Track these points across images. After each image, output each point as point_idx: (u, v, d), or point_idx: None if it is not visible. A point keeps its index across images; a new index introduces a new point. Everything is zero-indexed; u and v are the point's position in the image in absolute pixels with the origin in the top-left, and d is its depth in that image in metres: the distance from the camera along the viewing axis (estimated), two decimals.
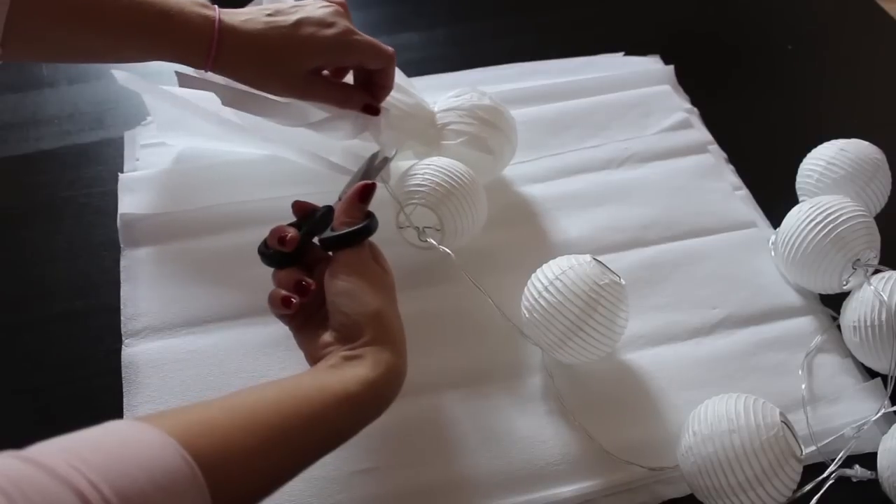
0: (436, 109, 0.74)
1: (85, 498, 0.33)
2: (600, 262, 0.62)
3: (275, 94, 0.64)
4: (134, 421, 0.39)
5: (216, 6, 0.60)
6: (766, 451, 0.53)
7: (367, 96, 0.66)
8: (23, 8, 0.54)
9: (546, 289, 0.61)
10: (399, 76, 0.75)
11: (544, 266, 0.63)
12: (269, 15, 0.61)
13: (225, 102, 0.64)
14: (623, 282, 0.62)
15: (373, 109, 0.66)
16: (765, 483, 0.53)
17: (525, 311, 0.63)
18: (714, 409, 0.56)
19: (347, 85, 0.67)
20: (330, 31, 0.61)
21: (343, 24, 0.62)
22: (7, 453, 0.34)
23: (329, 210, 0.57)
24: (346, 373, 0.49)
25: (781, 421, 0.55)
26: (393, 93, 0.70)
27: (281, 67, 0.61)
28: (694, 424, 0.56)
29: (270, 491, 0.44)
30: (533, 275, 0.63)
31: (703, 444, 0.55)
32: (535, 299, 0.61)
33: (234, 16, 0.60)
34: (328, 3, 0.63)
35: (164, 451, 0.38)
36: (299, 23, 0.60)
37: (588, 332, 0.60)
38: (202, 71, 0.61)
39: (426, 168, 0.67)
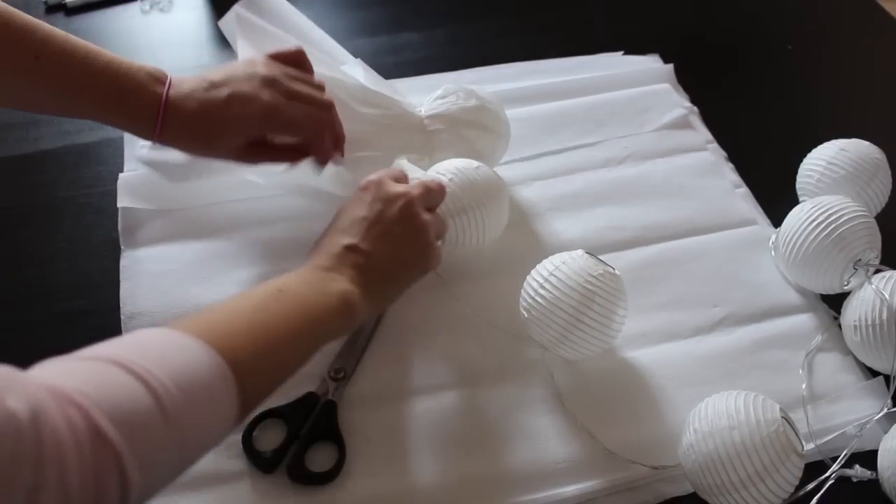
0: (423, 114, 0.74)
1: (144, 379, 0.38)
2: (592, 255, 0.62)
3: (218, 157, 0.66)
4: (167, 328, 0.44)
5: (169, 76, 0.62)
6: (766, 447, 0.53)
7: (312, 152, 0.67)
8: None
9: (542, 286, 0.61)
10: (381, 82, 0.75)
11: (537, 265, 0.63)
12: (206, 89, 0.63)
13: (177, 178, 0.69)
14: (618, 272, 0.62)
15: (322, 160, 0.68)
16: (766, 479, 0.53)
17: (524, 311, 0.63)
18: (714, 407, 0.56)
19: (290, 147, 0.67)
20: (256, 109, 0.63)
21: (268, 97, 0.63)
22: (72, 355, 0.39)
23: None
24: (334, 286, 0.55)
25: (782, 417, 0.55)
26: (373, 107, 0.71)
27: (218, 142, 0.64)
28: (695, 422, 0.56)
29: (279, 380, 0.50)
30: (528, 275, 0.63)
31: (703, 442, 0.55)
32: (532, 297, 0.61)
33: (180, 88, 0.62)
34: (258, 68, 0.64)
35: (200, 352, 0.43)
36: (229, 100, 0.62)
37: (588, 325, 0.60)
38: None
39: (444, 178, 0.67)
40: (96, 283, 0.70)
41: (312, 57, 0.69)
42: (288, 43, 0.70)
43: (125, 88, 0.60)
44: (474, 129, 0.73)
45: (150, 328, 0.44)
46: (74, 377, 0.37)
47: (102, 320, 0.67)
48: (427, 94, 0.76)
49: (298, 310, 0.51)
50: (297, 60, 0.67)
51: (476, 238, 0.67)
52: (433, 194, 0.63)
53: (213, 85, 0.63)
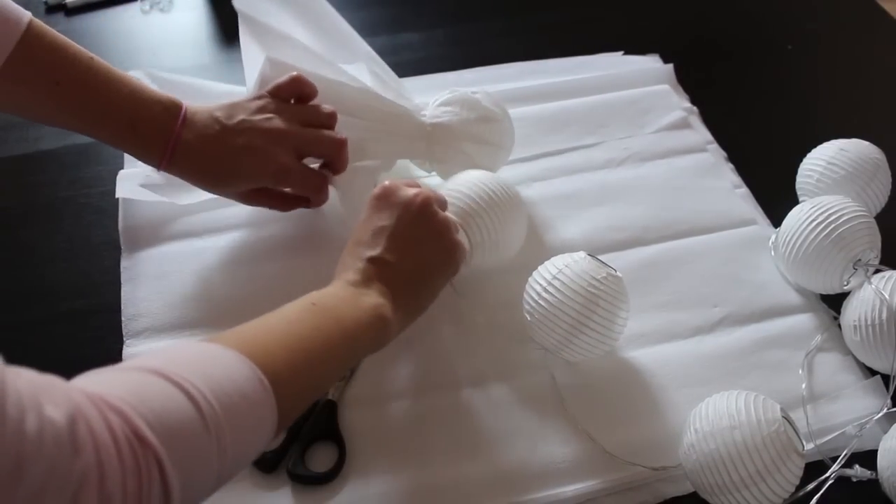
0: (426, 119, 0.72)
1: (189, 393, 0.39)
2: (595, 257, 0.62)
3: (220, 194, 0.68)
4: (208, 342, 0.44)
5: (183, 110, 0.63)
6: (767, 446, 0.53)
7: (305, 200, 0.69)
8: (9, 79, 0.58)
9: (545, 289, 0.61)
10: (388, 83, 0.74)
11: (540, 268, 0.63)
12: (219, 133, 0.63)
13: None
14: (619, 274, 0.62)
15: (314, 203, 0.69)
16: (767, 479, 0.53)
17: (527, 315, 0.63)
18: (715, 407, 0.56)
19: (287, 195, 0.69)
20: (268, 167, 0.64)
21: (282, 158, 0.64)
22: (114, 366, 0.40)
23: None
24: (366, 300, 0.54)
25: (782, 416, 0.55)
26: (373, 113, 0.70)
27: (223, 186, 0.66)
28: (695, 422, 0.56)
29: (312, 400, 0.52)
30: (530, 278, 0.63)
31: (704, 442, 0.55)
32: (536, 301, 0.61)
33: (192, 127, 0.63)
34: (273, 121, 0.64)
35: (241, 366, 0.43)
36: (242, 151, 0.63)
37: (592, 328, 0.60)
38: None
39: (460, 194, 0.66)
40: (96, 284, 0.70)
41: (315, 60, 0.69)
42: (293, 41, 0.70)
43: (138, 119, 0.62)
44: (476, 143, 0.72)
45: (189, 341, 0.44)
46: (116, 386, 0.37)
47: (102, 321, 0.67)
48: (427, 95, 0.75)
49: (333, 324, 0.51)
50: (297, 90, 0.66)
51: (495, 256, 0.67)
52: (440, 196, 0.63)
53: (227, 130, 0.63)
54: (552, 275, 0.61)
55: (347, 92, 0.70)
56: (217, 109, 0.64)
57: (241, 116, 0.64)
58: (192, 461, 0.38)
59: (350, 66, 0.73)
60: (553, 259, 0.63)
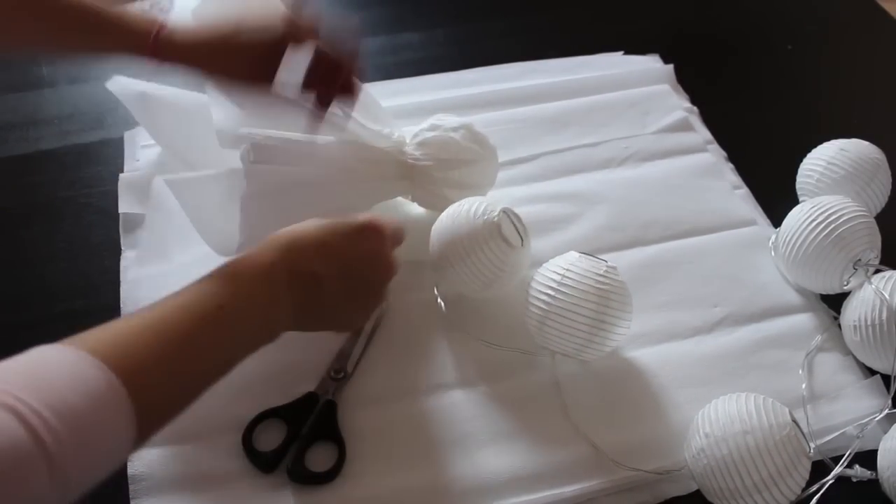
0: (408, 159, 0.70)
1: (16, 411, 0.35)
2: (586, 254, 0.62)
3: (237, 80, 0.61)
4: (49, 345, 0.41)
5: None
6: (780, 450, 0.53)
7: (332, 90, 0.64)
8: None
9: (554, 297, 0.60)
10: (361, 123, 0.70)
11: (537, 277, 0.62)
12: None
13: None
14: (613, 264, 0.62)
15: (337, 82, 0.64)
16: (779, 483, 0.53)
17: (536, 323, 0.62)
18: (725, 410, 0.56)
19: (313, 77, 0.62)
20: (274, 17, 0.60)
21: (286, 14, 0.60)
22: None
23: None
24: (276, 314, 0.51)
25: (792, 420, 0.55)
26: (344, 173, 0.68)
27: (226, 48, 0.60)
28: (705, 426, 0.56)
29: (188, 398, 0.46)
30: (531, 289, 0.62)
31: (716, 446, 0.54)
32: (546, 310, 0.60)
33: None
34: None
35: (79, 364, 0.39)
36: (240, 19, 0.60)
37: (610, 322, 0.60)
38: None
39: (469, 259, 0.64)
40: (96, 284, 0.70)
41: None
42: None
43: (123, 12, 0.58)
44: (455, 188, 0.70)
45: (30, 350, 0.40)
46: None
47: (102, 321, 0.66)
48: (427, 94, 0.75)
49: (212, 319, 0.47)
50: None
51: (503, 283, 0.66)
52: (397, 237, 0.61)
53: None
54: (557, 281, 0.60)
55: (321, 150, 0.67)
56: None
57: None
58: (15, 484, 0.34)
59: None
60: (548, 265, 0.63)
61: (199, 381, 0.47)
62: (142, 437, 0.42)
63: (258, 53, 0.60)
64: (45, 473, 0.35)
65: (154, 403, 0.43)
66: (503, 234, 0.64)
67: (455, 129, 0.70)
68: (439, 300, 0.66)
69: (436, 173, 0.70)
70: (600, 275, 0.60)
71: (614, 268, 0.62)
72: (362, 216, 0.58)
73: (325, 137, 0.67)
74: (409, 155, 0.70)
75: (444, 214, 0.66)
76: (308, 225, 0.55)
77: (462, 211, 0.65)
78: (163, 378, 0.44)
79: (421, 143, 0.70)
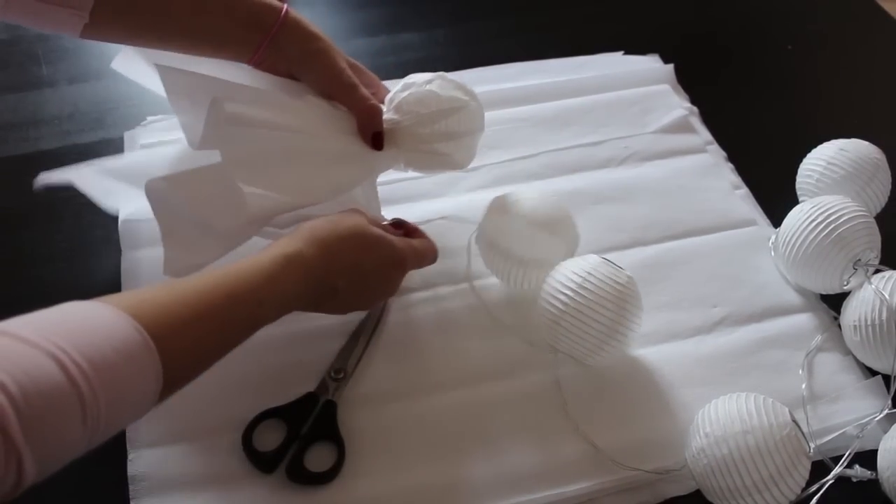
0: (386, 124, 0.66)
1: (59, 360, 0.38)
2: (607, 259, 0.62)
3: (316, 81, 0.65)
4: (86, 301, 0.43)
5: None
6: (780, 450, 0.53)
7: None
8: None
9: (571, 300, 0.60)
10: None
11: (556, 275, 0.62)
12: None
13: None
14: (630, 273, 0.62)
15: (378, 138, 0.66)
16: (779, 482, 0.53)
17: (549, 322, 0.62)
18: (725, 410, 0.56)
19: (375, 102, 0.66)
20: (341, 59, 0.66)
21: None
22: None
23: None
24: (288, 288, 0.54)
25: (792, 420, 0.55)
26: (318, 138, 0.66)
27: (332, 51, 0.65)
28: (705, 426, 0.56)
29: (210, 363, 0.50)
30: (547, 286, 0.62)
31: (716, 446, 0.54)
32: (562, 311, 0.60)
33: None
34: None
35: (118, 322, 0.42)
36: (334, 49, 0.66)
37: (622, 332, 0.60)
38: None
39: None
40: (96, 284, 0.70)
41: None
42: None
43: None
44: (446, 140, 0.67)
45: (63, 304, 0.43)
46: None
47: None
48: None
49: (244, 313, 0.51)
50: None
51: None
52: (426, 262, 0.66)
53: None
54: (578, 284, 0.60)
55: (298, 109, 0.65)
56: None
57: None
58: (53, 424, 0.37)
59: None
60: (568, 266, 0.62)
61: (222, 350, 0.51)
62: (165, 394, 0.45)
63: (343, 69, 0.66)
64: (79, 418, 0.38)
65: (180, 366, 0.46)
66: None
67: (429, 82, 0.67)
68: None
69: (421, 130, 0.66)
70: (620, 283, 0.60)
71: (632, 277, 0.62)
72: (400, 246, 0.61)
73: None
74: (388, 121, 0.66)
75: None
76: (354, 230, 0.58)
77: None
78: (191, 345, 0.47)
79: (397, 106, 0.66)
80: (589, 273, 0.60)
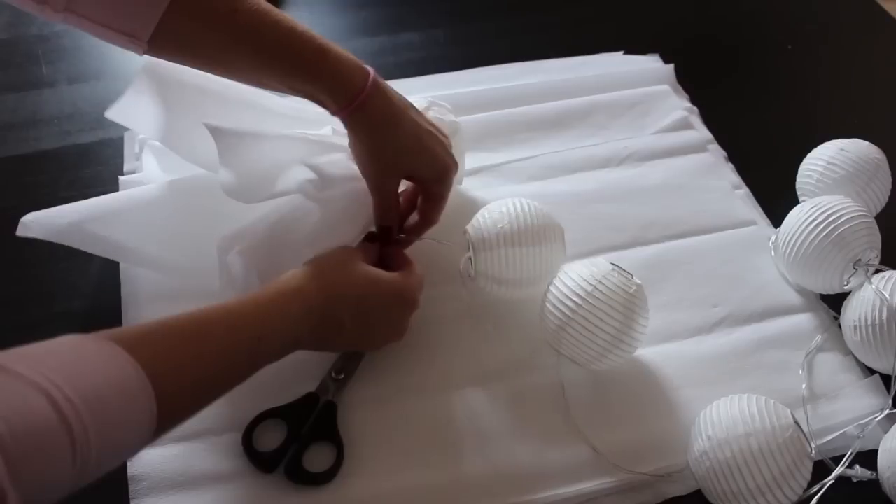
0: None
1: (51, 397, 0.37)
2: (618, 266, 0.61)
3: (364, 167, 0.62)
4: (83, 335, 0.42)
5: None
6: (783, 452, 0.53)
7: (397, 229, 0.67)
8: (181, 8, 0.54)
9: (579, 306, 0.59)
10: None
11: (565, 280, 0.61)
12: (409, 105, 0.62)
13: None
14: (640, 281, 0.62)
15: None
16: (782, 484, 0.53)
17: (554, 326, 0.61)
18: (727, 412, 0.56)
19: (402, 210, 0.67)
20: (449, 161, 0.64)
21: (453, 161, 0.64)
22: None
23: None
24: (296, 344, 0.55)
25: (794, 422, 0.55)
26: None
27: (398, 149, 0.61)
28: (707, 428, 0.56)
29: (207, 402, 0.49)
30: (555, 289, 0.62)
31: (719, 449, 0.54)
32: (568, 317, 0.60)
33: (383, 81, 0.61)
34: (440, 134, 0.65)
35: (115, 359, 0.41)
36: (432, 134, 0.63)
37: (627, 342, 0.60)
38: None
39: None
40: (96, 284, 0.70)
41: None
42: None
43: (328, 49, 0.57)
44: None
45: (62, 337, 0.42)
46: None
47: (102, 322, 0.66)
48: (427, 94, 0.75)
49: (241, 331, 0.50)
50: None
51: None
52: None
53: (413, 108, 0.63)
54: (587, 291, 0.59)
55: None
56: None
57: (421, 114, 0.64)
58: (42, 464, 0.36)
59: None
60: (577, 271, 0.61)
61: (220, 389, 0.50)
62: (159, 432, 0.44)
63: (395, 172, 0.63)
64: (69, 457, 0.37)
65: (177, 406, 0.46)
66: None
67: (427, 109, 0.69)
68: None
69: None
70: (630, 294, 0.60)
71: (641, 285, 0.61)
72: (405, 282, 0.60)
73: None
74: None
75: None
76: (354, 269, 0.58)
77: None
78: (189, 384, 0.47)
79: None
80: (599, 282, 0.60)
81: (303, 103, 0.62)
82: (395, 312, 0.61)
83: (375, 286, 0.59)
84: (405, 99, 0.63)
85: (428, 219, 0.66)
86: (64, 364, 0.39)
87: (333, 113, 0.59)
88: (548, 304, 0.62)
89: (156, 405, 0.43)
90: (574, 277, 0.61)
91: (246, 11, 0.56)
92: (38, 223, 0.62)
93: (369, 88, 0.58)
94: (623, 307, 0.59)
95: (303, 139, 0.65)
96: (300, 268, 0.56)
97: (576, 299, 0.60)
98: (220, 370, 0.49)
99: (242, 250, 0.59)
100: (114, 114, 0.68)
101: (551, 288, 0.62)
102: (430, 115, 0.69)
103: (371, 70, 0.59)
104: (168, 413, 0.44)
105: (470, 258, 0.65)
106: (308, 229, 0.62)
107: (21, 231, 0.61)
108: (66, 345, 0.41)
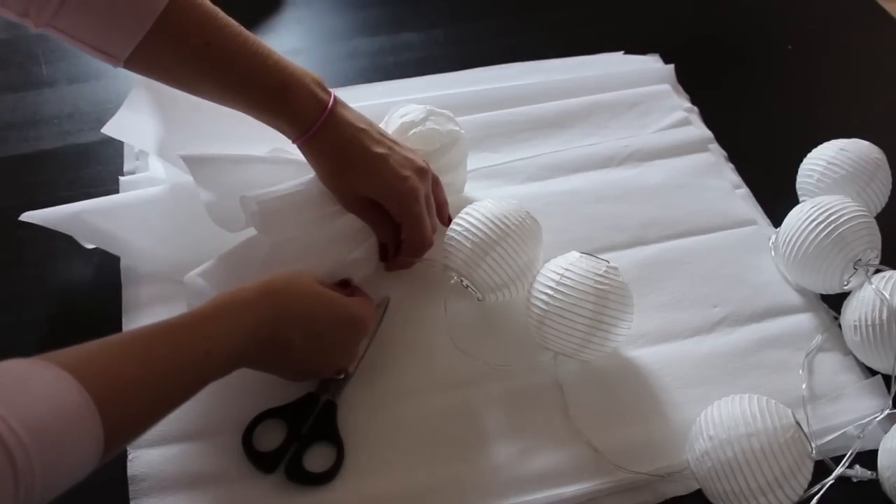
0: None
1: None
2: (587, 254, 0.62)
3: (332, 190, 0.64)
4: (28, 358, 0.42)
5: (332, 92, 0.63)
6: (784, 452, 0.53)
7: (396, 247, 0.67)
8: (157, 37, 0.57)
9: (553, 297, 0.60)
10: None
11: (538, 277, 0.62)
12: (369, 127, 0.63)
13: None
14: (615, 264, 0.62)
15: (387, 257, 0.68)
16: (784, 485, 0.53)
17: (536, 323, 0.62)
18: (729, 412, 0.56)
19: (394, 227, 0.66)
20: (404, 182, 0.63)
21: (416, 184, 0.64)
22: None
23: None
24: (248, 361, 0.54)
25: (795, 422, 0.55)
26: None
27: (349, 178, 0.63)
28: (709, 428, 0.56)
29: (156, 421, 0.48)
30: (532, 289, 0.63)
31: (720, 449, 0.54)
32: (545, 310, 0.61)
33: (343, 107, 0.63)
34: (416, 160, 0.65)
35: (60, 384, 0.41)
36: (386, 155, 0.63)
37: (607, 322, 0.60)
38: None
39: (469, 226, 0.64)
40: (96, 284, 0.70)
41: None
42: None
43: (290, 84, 0.60)
44: (448, 172, 0.71)
45: (15, 360, 0.41)
46: None
47: (102, 321, 0.67)
48: (427, 94, 0.75)
49: (189, 345, 0.50)
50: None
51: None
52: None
53: (374, 131, 0.64)
54: (556, 281, 0.60)
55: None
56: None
57: (389, 135, 0.65)
58: None
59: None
60: (549, 265, 0.63)
61: (169, 406, 0.49)
62: (108, 454, 0.44)
63: (361, 197, 0.64)
64: (11, 489, 0.37)
65: (124, 427, 0.45)
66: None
67: (426, 119, 0.70)
68: (446, 305, 0.66)
69: (431, 166, 0.68)
70: (600, 275, 0.60)
71: (615, 268, 0.62)
72: (358, 306, 0.61)
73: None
74: None
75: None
76: (306, 288, 0.58)
77: None
78: (137, 405, 0.46)
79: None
80: (566, 269, 0.60)
81: None
82: (345, 334, 0.60)
83: (327, 306, 0.58)
84: (366, 123, 0.64)
85: (410, 240, 0.66)
86: (8, 393, 0.39)
87: (293, 141, 0.62)
88: (528, 304, 0.63)
89: (102, 430, 0.42)
90: (546, 272, 0.62)
91: (219, 45, 0.59)
92: (39, 214, 0.65)
93: (323, 120, 0.61)
94: (595, 289, 0.59)
95: (285, 161, 0.67)
96: (250, 282, 0.55)
97: (548, 292, 0.60)
98: (167, 389, 0.48)
99: (203, 272, 0.60)
100: (110, 129, 0.69)
101: (531, 288, 0.63)
102: (428, 124, 0.69)
103: (331, 100, 0.62)
104: (116, 435, 0.43)
105: (468, 286, 0.65)
106: (267, 249, 0.62)
107: (24, 218, 0.65)
108: (11, 372, 0.40)
